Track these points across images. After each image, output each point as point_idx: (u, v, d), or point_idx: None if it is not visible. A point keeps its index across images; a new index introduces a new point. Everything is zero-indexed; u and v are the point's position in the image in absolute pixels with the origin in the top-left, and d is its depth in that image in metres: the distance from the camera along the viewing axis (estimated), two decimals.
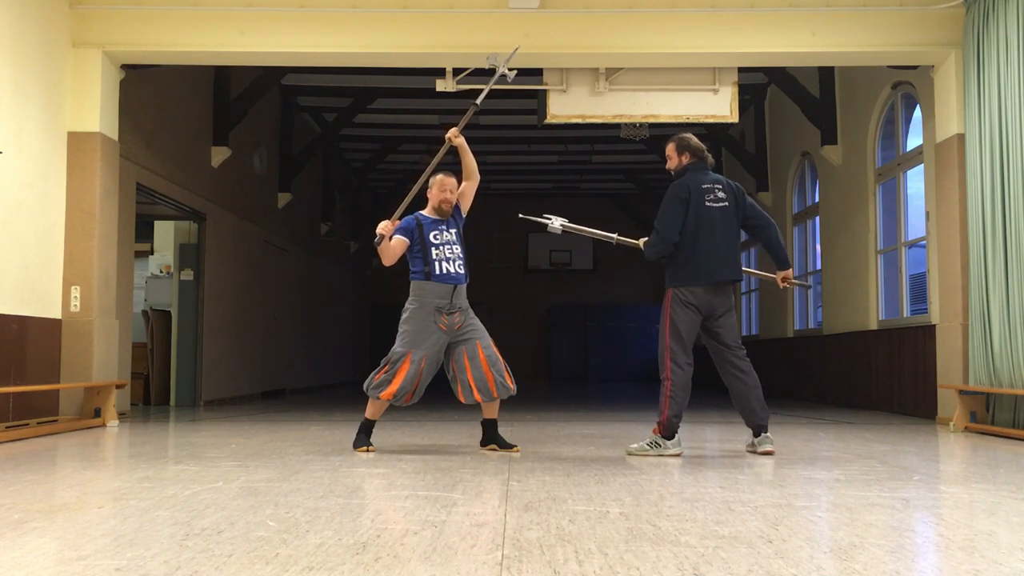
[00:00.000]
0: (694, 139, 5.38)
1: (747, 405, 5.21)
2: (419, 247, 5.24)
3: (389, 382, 5.14)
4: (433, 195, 5.35)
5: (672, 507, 3.38)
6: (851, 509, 3.37)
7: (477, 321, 5.28)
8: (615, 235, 5.63)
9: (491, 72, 5.89)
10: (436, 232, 5.27)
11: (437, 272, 5.18)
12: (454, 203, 5.37)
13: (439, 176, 5.38)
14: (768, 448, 5.18)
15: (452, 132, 5.35)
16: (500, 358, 5.23)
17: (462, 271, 5.25)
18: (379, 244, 5.16)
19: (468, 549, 2.63)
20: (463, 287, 5.25)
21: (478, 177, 5.48)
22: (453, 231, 5.33)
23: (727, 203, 5.20)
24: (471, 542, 2.72)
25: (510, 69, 5.80)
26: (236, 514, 3.18)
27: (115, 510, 3.29)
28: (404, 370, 5.11)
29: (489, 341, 5.25)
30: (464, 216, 5.47)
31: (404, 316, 5.23)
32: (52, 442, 6.05)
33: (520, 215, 6.24)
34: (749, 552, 2.59)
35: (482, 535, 2.83)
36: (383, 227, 5.13)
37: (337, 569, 2.37)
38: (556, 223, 5.62)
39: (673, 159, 5.37)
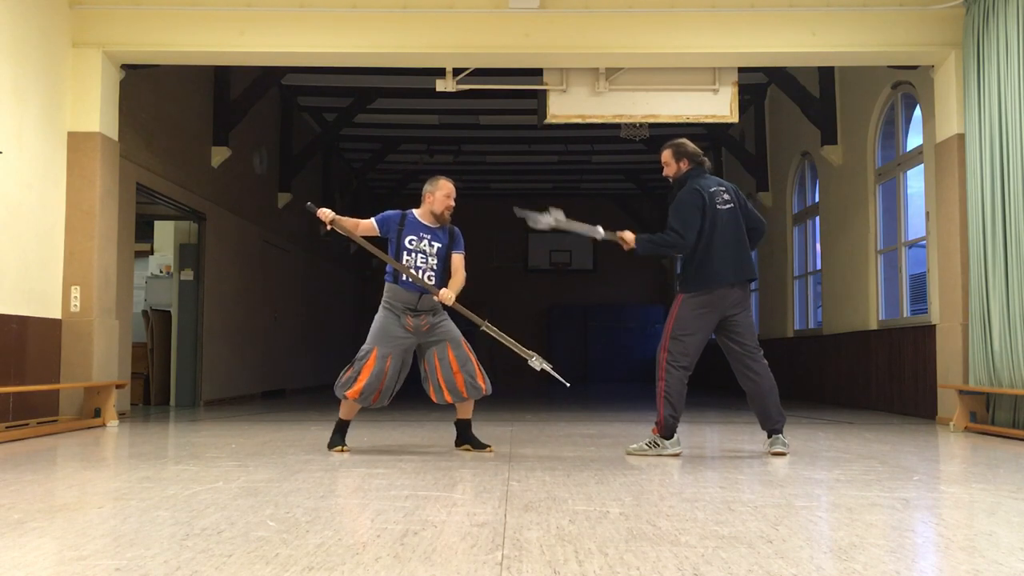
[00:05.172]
0: (690, 144, 5.33)
1: (762, 408, 5.19)
2: (393, 247, 5.17)
3: (354, 380, 5.09)
4: (438, 200, 5.18)
5: (672, 507, 3.38)
6: (851, 509, 3.37)
7: (449, 323, 5.19)
8: (600, 227, 5.33)
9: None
10: (414, 238, 5.14)
11: (404, 277, 5.09)
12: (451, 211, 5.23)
13: (443, 180, 5.24)
14: (779, 449, 5.16)
15: (446, 296, 5.02)
16: (472, 358, 5.15)
17: (431, 283, 5.10)
18: (320, 223, 5.20)
19: (468, 549, 2.63)
20: (429, 296, 5.09)
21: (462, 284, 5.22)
22: (436, 245, 5.16)
23: (732, 205, 5.19)
24: (471, 542, 2.72)
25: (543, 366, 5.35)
26: (236, 514, 3.18)
27: (115, 510, 3.29)
28: (369, 367, 5.06)
29: (461, 341, 5.16)
30: (459, 251, 5.24)
31: (376, 316, 5.20)
32: (52, 442, 6.05)
33: (515, 208, 6.03)
34: (749, 552, 2.59)
35: (482, 535, 2.83)
36: (324, 213, 5.17)
37: (337, 569, 2.37)
38: (543, 221, 5.35)
39: (671, 166, 5.31)
